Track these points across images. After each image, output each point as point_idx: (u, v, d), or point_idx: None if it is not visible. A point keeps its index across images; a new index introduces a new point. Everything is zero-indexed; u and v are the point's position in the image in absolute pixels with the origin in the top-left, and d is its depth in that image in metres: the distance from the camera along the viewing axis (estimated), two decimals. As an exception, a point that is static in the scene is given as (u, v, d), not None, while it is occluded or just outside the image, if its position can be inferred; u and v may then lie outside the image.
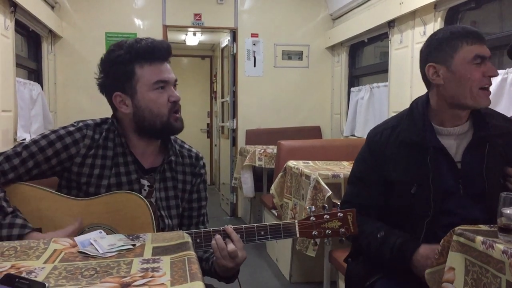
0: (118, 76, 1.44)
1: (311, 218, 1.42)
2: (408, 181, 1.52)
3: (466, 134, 1.54)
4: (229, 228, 1.39)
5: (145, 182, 1.49)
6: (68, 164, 1.44)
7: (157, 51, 1.44)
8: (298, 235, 1.42)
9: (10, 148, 1.44)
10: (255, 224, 1.41)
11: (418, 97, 1.64)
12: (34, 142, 1.43)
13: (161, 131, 1.47)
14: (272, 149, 4.29)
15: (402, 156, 1.55)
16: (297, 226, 1.42)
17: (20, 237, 1.29)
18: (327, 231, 1.42)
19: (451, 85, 1.50)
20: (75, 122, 1.50)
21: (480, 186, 1.49)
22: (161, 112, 1.44)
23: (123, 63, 1.43)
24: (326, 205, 1.48)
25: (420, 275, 1.40)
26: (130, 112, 1.46)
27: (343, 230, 1.42)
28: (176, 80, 1.49)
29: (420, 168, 1.50)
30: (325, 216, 1.42)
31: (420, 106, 1.59)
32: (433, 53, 1.53)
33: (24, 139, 3.33)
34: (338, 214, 1.42)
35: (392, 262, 1.51)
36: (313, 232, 1.42)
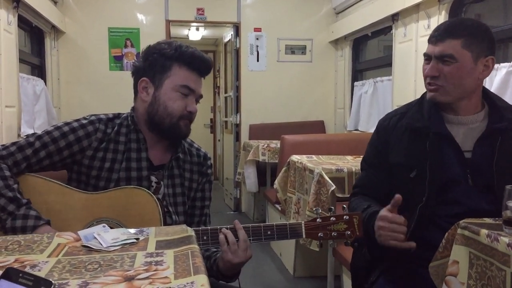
0: (154, 65, 1.48)
1: (318, 219, 1.43)
2: (408, 166, 1.54)
3: (480, 125, 1.54)
4: (238, 223, 1.39)
5: (153, 178, 1.51)
6: (79, 156, 1.45)
7: (199, 63, 1.50)
8: (304, 236, 1.43)
9: (23, 138, 1.46)
10: (262, 224, 1.42)
11: None
12: (47, 133, 1.45)
13: (167, 131, 1.49)
14: (275, 143, 4.28)
15: (405, 141, 1.57)
16: (303, 227, 1.43)
17: (34, 228, 1.30)
18: (332, 233, 1.43)
19: None
20: (87, 116, 1.52)
21: (488, 178, 1.48)
22: (173, 112, 1.47)
23: (165, 56, 1.47)
24: (332, 207, 1.48)
25: (378, 240, 1.44)
26: (147, 101, 1.49)
27: (348, 232, 1.43)
28: (201, 96, 1.53)
29: (420, 154, 1.51)
30: (331, 218, 1.43)
31: None
32: None
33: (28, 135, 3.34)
34: (344, 217, 1.43)
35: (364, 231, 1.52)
36: (319, 234, 1.43)
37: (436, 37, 1.49)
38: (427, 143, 1.51)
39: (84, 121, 1.48)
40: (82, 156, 1.45)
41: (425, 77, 1.53)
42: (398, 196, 1.41)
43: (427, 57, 1.52)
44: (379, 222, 1.43)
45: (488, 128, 1.51)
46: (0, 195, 1.33)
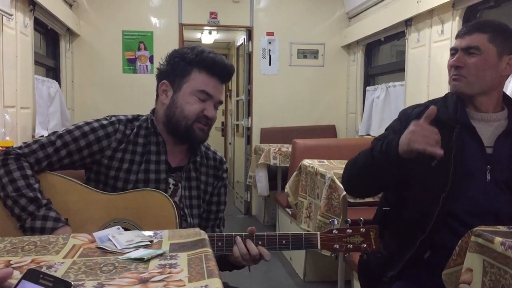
0: (175, 68, 1.50)
1: (334, 231, 1.42)
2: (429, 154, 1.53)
3: (501, 123, 1.56)
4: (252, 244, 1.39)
5: (171, 180, 1.52)
6: (98, 156, 1.47)
7: (220, 69, 1.50)
8: (319, 247, 1.42)
9: (44, 136, 1.49)
10: (277, 233, 1.42)
11: None
12: (68, 132, 1.47)
13: (183, 135, 1.51)
14: (287, 147, 4.28)
15: None
16: (319, 238, 1.42)
17: (53, 230, 1.33)
18: (348, 245, 1.42)
19: None
20: (108, 116, 1.54)
21: (507, 175, 1.50)
22: (189, 115, 1.48)
23: (186, 60, 1.49)
24: (349, 219, 1.47)
25: (406, 145, 1.39)
26: (165, 104, 1.51)
27: (364, 245, 1.41)
28: (220, 102, 1.53)
29: (444, 144, 1.50)
30: (347, 231, 1.42)
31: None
32: None
33: (42, 136, 3.38)
34: (361, 229, 1.42)
35: (382, 157, 1.49)
36: (335, 246, 1.42)
37: (464, 32, 1.55)
38: (453, 134, 1.52)
39: (104, 122, 1.50)
40: (101, 156, 1.47)
41: (450, 67, 1.57)
42: (432, 107, 1.42)
43: (454, 51, 1.57)
44: (411, 127, 1.40)
45: (509, 126, 1.54)
46: (21, 195, 1.35)
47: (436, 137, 1.38)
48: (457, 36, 1.58)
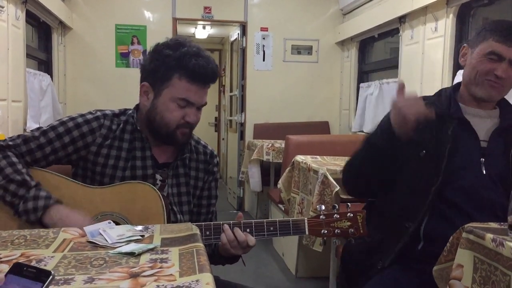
0: (156, 71, 1.44)
1: (321, 216, 1.43)
2: (420, 144, 1.54)
3: (495, 120, 1.58)
4: (238, 231, 1.38)
5: (158, 176, 1.51)
6: (84, 152, 1.45)
7: (203, 77, 1.43)
8: (307, 232, 1.42)
9: (30, 131, 1.47)
10: (264, 220, 1.42)
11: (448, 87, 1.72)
12: (52, 128, 1.45)
13: (165, 139, 1.49)
14: (280, 143, 4.28)
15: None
16: (306, 224, 1.42)
17: (45, 208, 1.32)
18: (336, 230, 1.42)
19: (466, 69, 1.59)
20: (93, 110, 1.51)
21: (502, 169, 1.52)
22: (169, 123, 1.44)
23: (166, 64, 1.42)
24: (336, 205, 1.47)
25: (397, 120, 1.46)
26: (147, 106, 1.47)
27: (352, 230, 1.42)
28: (204, 105, 1.48)
29: (439, 137, 1.53)
30: (334, 216, 1.43)
31: (448, 89, 1.65)
32: (473, 36, 1.61)
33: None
34: (348, 214, 1.43)
35: (382, 134, 1.53)
36: (322, 231, 1.42)
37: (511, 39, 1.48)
38: (448, 128, 1.53)
39: (89, 116, 1.47)
40: (87, 152, 1.45)
41: (487, 72, 1.50)
42: (401, 81, 1.48)
43: (498, 57, 1.49)
44: (393, 108, 1.47)
45: (504, 123, 1.56)
46: (10, 181, 1.34)
47: (421, 100, 1.44)
48: (502, 42, 1.48)
